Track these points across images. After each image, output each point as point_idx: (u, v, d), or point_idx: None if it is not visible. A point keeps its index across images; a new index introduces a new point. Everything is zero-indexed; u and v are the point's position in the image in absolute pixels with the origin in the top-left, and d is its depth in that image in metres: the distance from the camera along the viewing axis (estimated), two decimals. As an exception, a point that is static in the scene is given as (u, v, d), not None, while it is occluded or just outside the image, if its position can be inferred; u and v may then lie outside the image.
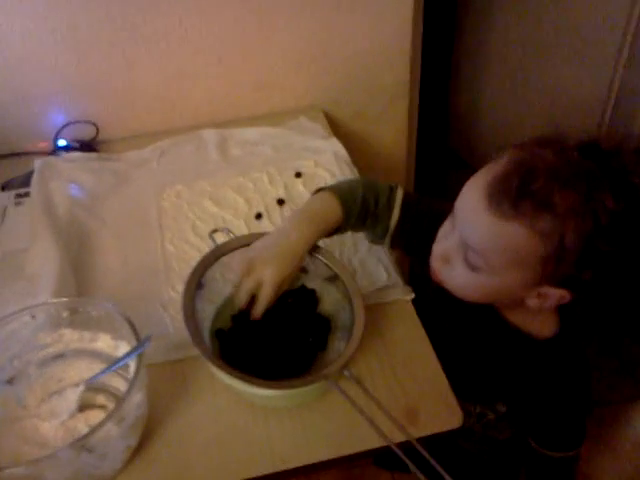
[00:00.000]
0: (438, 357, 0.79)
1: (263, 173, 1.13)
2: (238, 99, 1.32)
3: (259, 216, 1.04)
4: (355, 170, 1.14)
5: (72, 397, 0.73)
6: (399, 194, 0.82)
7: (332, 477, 1.44)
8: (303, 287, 0.82)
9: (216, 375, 0.72)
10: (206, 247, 0.98)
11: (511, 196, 0.59)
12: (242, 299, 0.76)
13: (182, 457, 0.71)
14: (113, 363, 0.70)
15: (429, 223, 0.80)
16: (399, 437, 0.69)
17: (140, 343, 0.67)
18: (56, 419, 0.72)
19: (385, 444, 0.68)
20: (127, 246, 1.00)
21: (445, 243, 0.70)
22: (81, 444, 0.60)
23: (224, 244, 0.81)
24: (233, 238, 0.82)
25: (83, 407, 0.74)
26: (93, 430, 0.60)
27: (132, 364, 0.68)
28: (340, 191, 0.80)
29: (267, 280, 0.73)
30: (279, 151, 1.20)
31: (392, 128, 1.47)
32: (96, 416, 0.73)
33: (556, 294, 0.64)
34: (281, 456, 0.70)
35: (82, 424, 0.73)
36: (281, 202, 1.06)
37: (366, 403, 0.71)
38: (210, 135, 1.24)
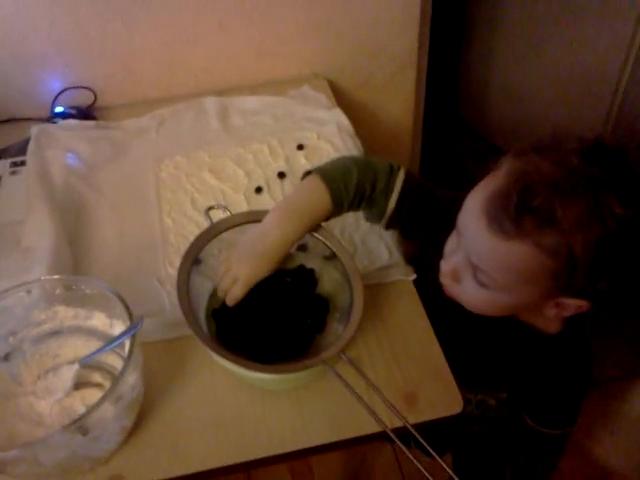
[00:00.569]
0: (440, 347, 0.78)
1: (264, 145, 1.10)
2: (239, 66, 1.28)
3: (259, 190, 1.01)
4: (359, 142, 1.11)
5: (68, 375, 0.73)
6: (399, 178, 0.77)
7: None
8: (302, 267, 0.80)
9: (212, 356, 0.70)
10: (204, 221, 0.97)
11: (511, 214, 0.56)
12: (220, 297, 0.74)
13: (178, 438, 0.70)
14: (107, 344, 0.69)
15: (428, 212, 0.78)
16: (398, 422, 0.68)
17: (133, 324, 0.65)
18: (52, 397, 0.72)
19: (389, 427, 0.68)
20: (124, 219, 0.98)
21: (452, 260, 0.67)
22: (76, 426, 0.59)
23: (220, 222, 0.78)
24: (229, 216, 0.79)
25: (79, 385, 0.73)
26: (88, 412, 0.59)
27: (127, 343, 0.67)
28: (331, 177, 0.74)
29: (240, 280, 0.71)
30: (280, 121, 1.17)
31: (399, 97, 1.43)
32: (92, 394, 0.73)
33: (574, 304, 0.62)
34: (278, 439, 0.70)
35: (78, 402, 0.72)
36: (282, 175, 1.04)
37: (365, 386, 0.70)
38: (211, 103, 1.21)
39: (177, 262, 0.89)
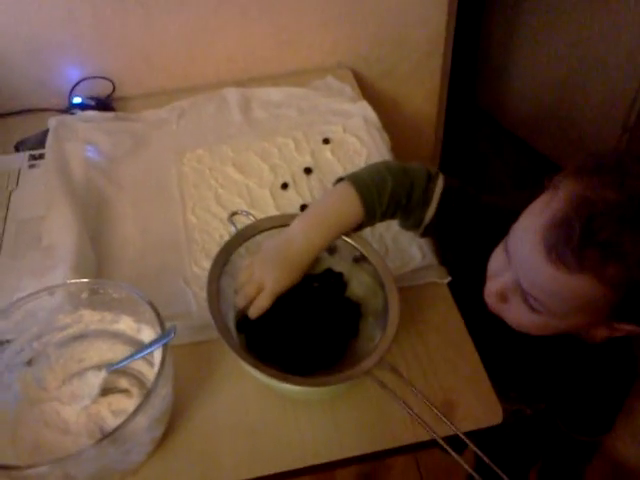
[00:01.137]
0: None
1: (289, 138, 1.07)
2: (261, 56, 1.24)
3: (285, 186, 0.98)
4: (386, 136, 1.08)
5: (94, 381, 0.71)
6: (438, 187, 0.72)
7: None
8: (329, 270, 0.77)
9: (249, 370, 0.67)
10: (229, 223, 0.94)
11: (574, 246, 0.53)
12: (240, 303, 0.70)
13: (207, 447, 0.68)
14: (136, 352, 0.67)
15: (469, 221, 0.74)
16: (440, 431, 0.65)
17: (165, 332, 0.63)
18: (77, 403, 0.70)
19: (426, 438, 0.66)
20: (146, 215, 0.95)
21: (500, 281, 0.64)
22: (107, 441, 0.57)
23: (247, 228, 0.75)
24: (256, 221, 0.76)
25: (106, 390, 0.71)
26: (121, 426, 0.57)
27: (157, 351, 0.65)
28: (364, 185, 0.70)
29: (266, 289, 0.68)
30: (305, 114, 1.13)
31: (424, 87, 1.39)
32: (119, 401, 0.71)
33: (627, 328, 0.60)
34: (312, 450, 0.67)
35: (105, 409, 0.70)
36: (308, 171, 1.01)
37: (402, 395, 0.68)
38: (232, 94, 1.17)
39: (203, 261, 0.87)
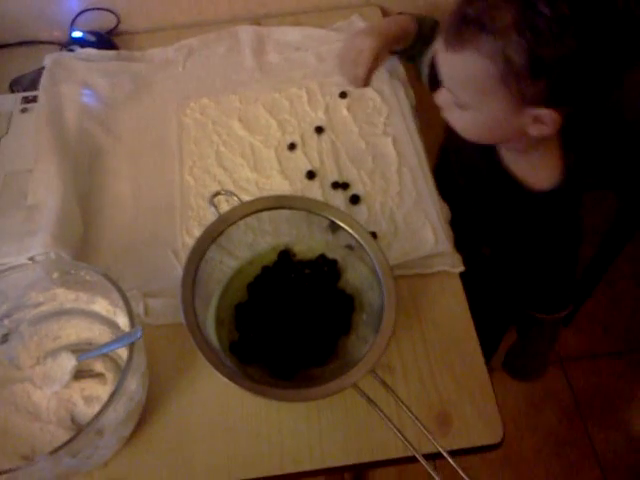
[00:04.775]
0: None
1: (302, 89, 0.97)
2: (281, -13, 1.11)
3: (293, 147, 0.89)
4: (411, 92, 0.97)
5: (67, 364, 0.66)
6: None
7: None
8: (323, 256, 0.70)
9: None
10: (229, 180, 0.86)
11: (455, 28, 0.61)
12: (350, 74, 0.86)
13: (182, 443, 0.64)
14: (101, 347, 0.62)
15: None
16: (428, 447, 0.60)
17: (131, 332, 0.57)
18: (49, 387, 0.66)
19: (411, 454, 0.60)
20: (142, 172, 0.88)
21: (440, 91, 0.71)
22: (64, 451, 0.53)
23: (229, 213, 0.67)
24: (238, 205, 0.68)
25: (80, 373, 0.67)
26: (75, 437, 0.53)
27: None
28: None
29: (366, 47, 0.82)
30: (324, 61, 1.01)
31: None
32: (92, 387, 0.67)
33: (547, 115, 0.63)
34: (292, 456, 0.63)
35: (77, 394, 0.66)
36: (320, 130, 0.91)
37: (394, 403, 0.61)
38: (246, 34, 1.06)
39: (195, 230, 0.81)
